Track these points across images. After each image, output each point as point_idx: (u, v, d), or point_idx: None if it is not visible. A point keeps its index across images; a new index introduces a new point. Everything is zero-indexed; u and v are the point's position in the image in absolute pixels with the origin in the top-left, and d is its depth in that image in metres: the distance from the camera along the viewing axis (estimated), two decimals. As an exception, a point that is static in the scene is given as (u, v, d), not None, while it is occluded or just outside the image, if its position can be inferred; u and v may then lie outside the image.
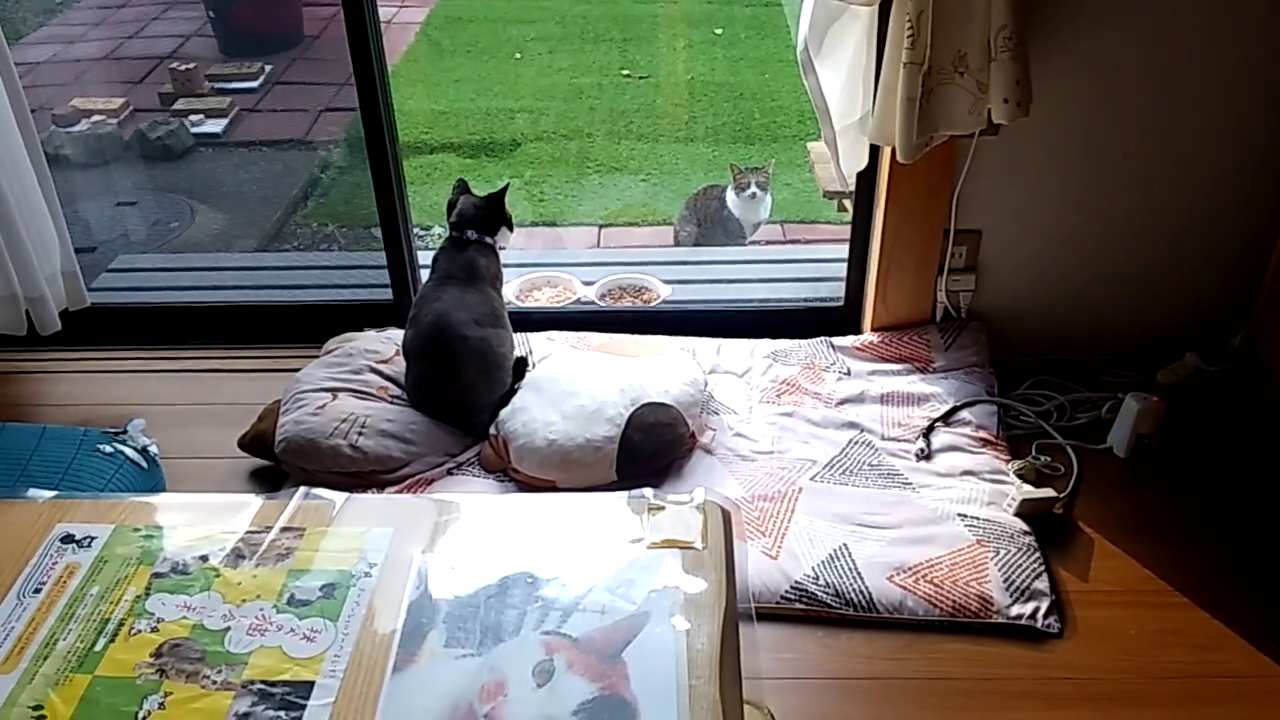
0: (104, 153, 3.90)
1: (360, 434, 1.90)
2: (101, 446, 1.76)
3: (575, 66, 4.89)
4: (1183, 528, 1.83)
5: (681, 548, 1.05)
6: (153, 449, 1.82)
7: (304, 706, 0.91)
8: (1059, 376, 2.16)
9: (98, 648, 0.97)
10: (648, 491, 1.12)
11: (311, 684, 0.93)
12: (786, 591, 1.69)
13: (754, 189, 3.21)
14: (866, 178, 2.10)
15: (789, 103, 4.47)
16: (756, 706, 1.53)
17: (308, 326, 2.29)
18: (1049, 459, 1.96)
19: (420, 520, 1.11)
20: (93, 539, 1.08)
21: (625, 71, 4.83)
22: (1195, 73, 1.94)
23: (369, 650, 0.96)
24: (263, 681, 0.93)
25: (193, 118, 4.09)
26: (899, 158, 1.81)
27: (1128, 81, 1.95)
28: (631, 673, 0.93)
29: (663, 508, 1.09)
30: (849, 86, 1.89)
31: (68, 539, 1.08)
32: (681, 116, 4.52)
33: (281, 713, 0.90)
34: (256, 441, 1.97)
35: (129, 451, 1.78)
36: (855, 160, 1.97)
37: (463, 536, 1.10)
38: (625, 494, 1.12)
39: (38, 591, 1.03)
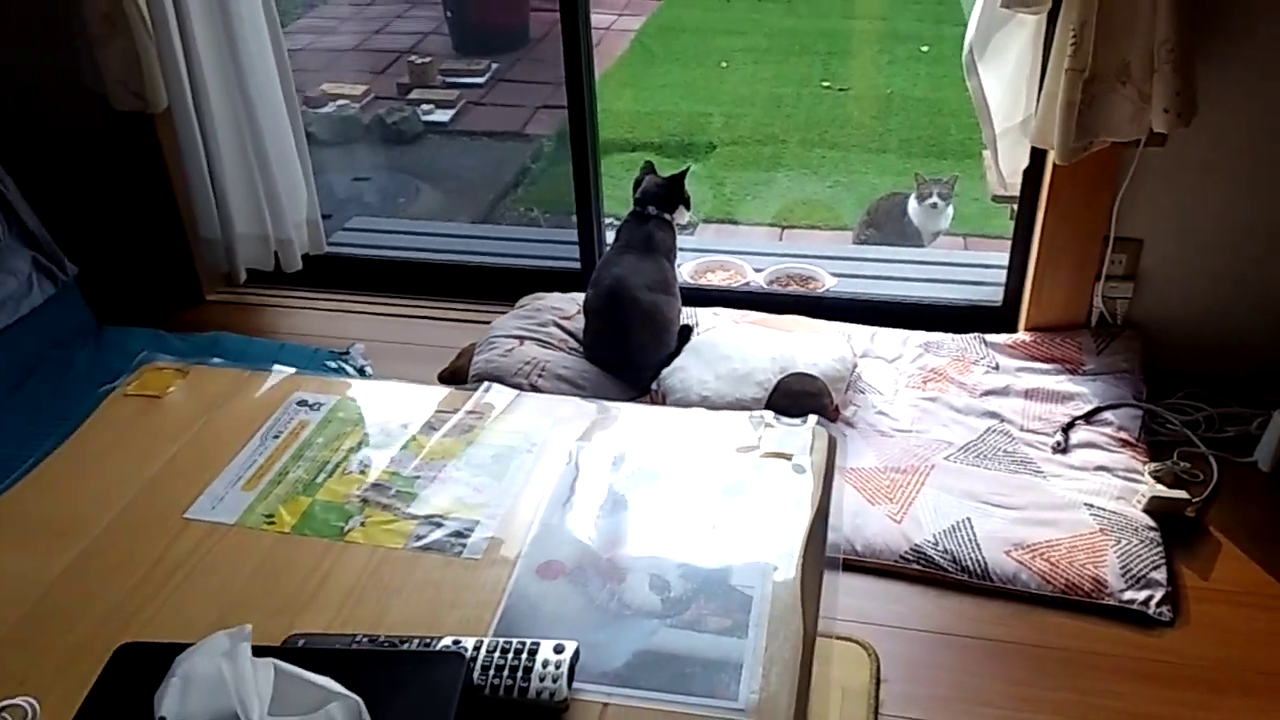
0: (346, 133, 4.35)
1: (540, 376, 2.15)
2: (328, 362, 2.09)
3: (777, 76, 5.07)
4: (1318, 543, 1.84)
5: (786, 458, 1.23)
6: (369, 369, 2.14)
7: (469, 536, 1.15)
8: (1213, 390, 2.16)
9: (319, 480, 1.24)
10: (766, 413, 1.30)
11: (476, 522, 1.17)
12: (905, 552, 1.82)
13: (935, 198, 3.29)
14: (1030, 182, 2.18)
15: (986, 121, 4.49)
16: (862, 645, 1.68)
17: (505, 286, 2.57)
18: (1189, 465, 1.98)
19: (580, 417, 1.34)
20: (321, 404, 1.37)
21: (825, 83, 4.97)
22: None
23: (523, 506, 1.19)
24: (440, 516, 1.18)
25: (424, 107, 4.49)
26: (1056, 158, 1.91)
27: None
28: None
29: (775, 426, 1.27)
30: (1012, 89, 2.00)
31: (302, 403, 1.37)
32: (876, 128, 4.61)
33: (452, 538, 1.14)
34: (454, 375, 2.26)
35: (349, 369, 2.11)
36: (1015, 162, 2.07)
37: (613, 433, 1.31)
38: (747, 413, 1.31)
39: (276, 437, 1.31)
